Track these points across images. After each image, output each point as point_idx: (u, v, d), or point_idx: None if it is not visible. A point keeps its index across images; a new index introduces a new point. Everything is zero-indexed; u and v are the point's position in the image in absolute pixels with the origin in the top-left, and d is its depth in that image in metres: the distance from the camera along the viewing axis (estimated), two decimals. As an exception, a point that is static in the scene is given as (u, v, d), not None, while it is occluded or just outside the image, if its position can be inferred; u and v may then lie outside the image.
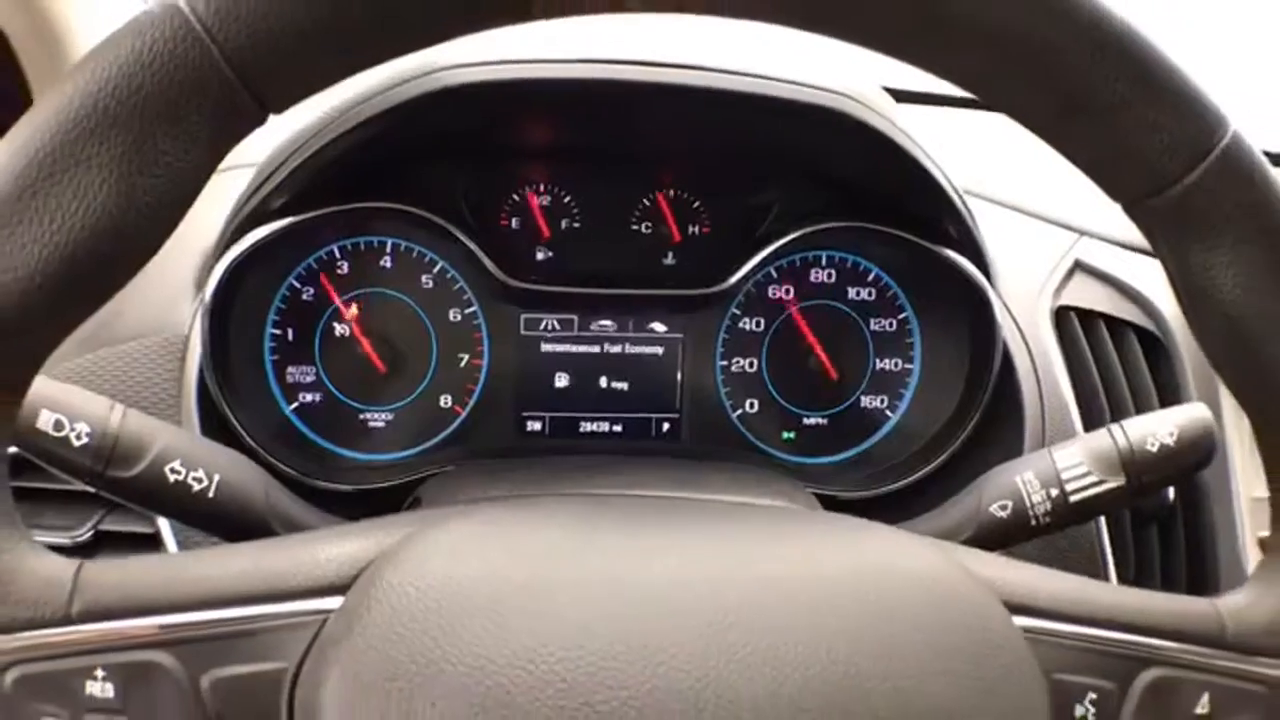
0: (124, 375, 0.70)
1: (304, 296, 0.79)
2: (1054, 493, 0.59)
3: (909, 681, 0.36)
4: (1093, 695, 0.41)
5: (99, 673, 0.35)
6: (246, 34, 0.33)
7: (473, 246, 0.76)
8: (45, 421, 0.51)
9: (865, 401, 0.85)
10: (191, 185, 0.35)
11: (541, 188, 0.81)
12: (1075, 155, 0.40)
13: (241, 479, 0.57)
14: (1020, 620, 0.41)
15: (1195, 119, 0.37)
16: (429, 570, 0.37)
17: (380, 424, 0.81)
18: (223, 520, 0.56)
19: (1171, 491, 0.79)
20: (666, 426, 0.84)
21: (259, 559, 0.39)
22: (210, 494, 0.55)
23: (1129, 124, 0.37)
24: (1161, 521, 0.80)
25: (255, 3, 0.33)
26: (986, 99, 0.39)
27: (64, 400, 0.52)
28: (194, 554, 0.40)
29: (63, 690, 0.35)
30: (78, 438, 0.52)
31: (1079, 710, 0.40)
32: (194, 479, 0.55)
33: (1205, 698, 0.42)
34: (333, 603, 0.37)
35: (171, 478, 0.54)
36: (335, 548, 0.39)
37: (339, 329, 0.79)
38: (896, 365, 0.84)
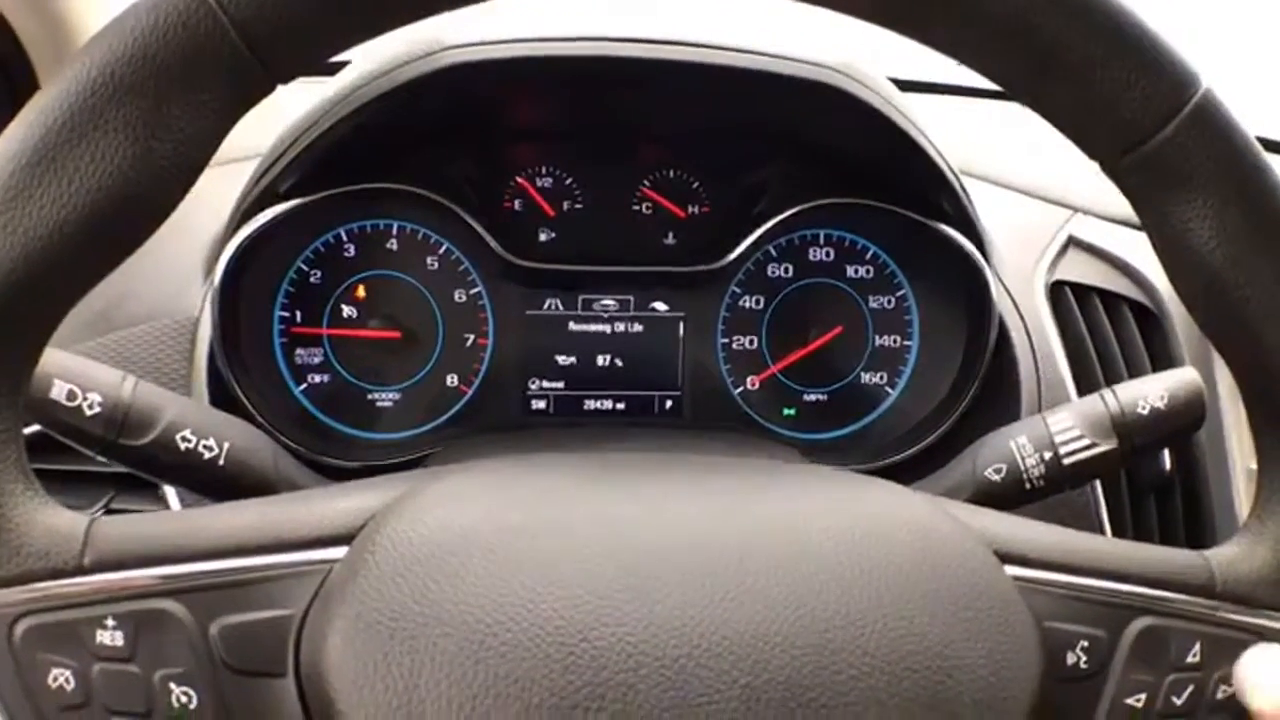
0: (135, 357, 0.72)
1: (311, 279, 0.80)
2: (1047, 456, 0.60)
3: (900, 622, 0.37)
4: (1084, 643, 0.41)
5: (109, 621, 0.36)
6: (255, 4, 0.34)
7: (477, 227, 0.78)
8: (58, 392, 0.52)
9: (865, 378, 0.86)
10: (204, 150, 0.37)
11: (543, 169, 0.83)
12: (1052, 114, 0.41)
13: (251, 448, 0.58)
14: (1011, 569, 0.41)
15: (1168, 76, 0.38)
16: (431, 517, 0.38)
17: (388, 404, 0.82)
18: (232, 488, 0.57)
19: (1168, 462, 0.80)
20: (669, 404, 0.85)
21: (267, 512, 0.40)
22: (220, 462, 0.56)
23: (1103, 82, 0.38)
24: (1159, 493, 0.81)
25: None
26: (963, 61, 0.40)
27: (77, 370, 0.53)
28: (203, 509, 0.41)
29: (72, 639, 0.36)
30: (90, 407, 0.53)
31: (1070, 658, 0.41)
32: (204, 447, 0.56)
33: (1197, 647, 0.42)
34: (338, 552, 0.38)
35: (182, 446, 0.55)
36: (341, 501, 0.40)
37: (346, 311, 0.81)
38: (895, 342, 0.85)
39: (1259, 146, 0.40)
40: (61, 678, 0.36)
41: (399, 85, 0.67)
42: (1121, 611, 0.42)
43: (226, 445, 0.57)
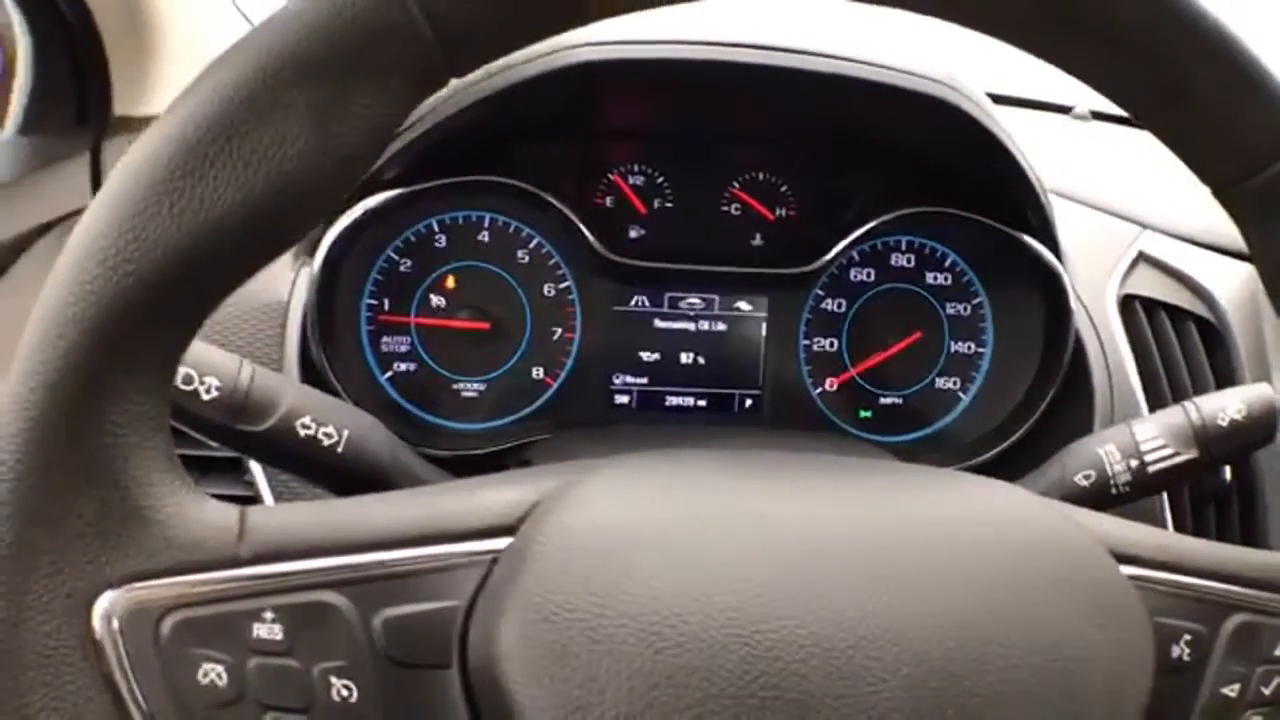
0: (221, 340, 0.71)
1: (401, 268, 0.80)
2: (1134, 464, 0.62)
3: (1039, 617, 0.39)
4: (1187, 637, 0.43)
5: (267, 614, 0.35)
6: None
7: (575, 220, 0.78)
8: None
9: (940, 383, 0.88)
10: (380, 140, 0.35)
11: (636, 167, 0.84)
12: (1173, 140, 0.42)
13: (369, 437, 0.58)
14: (1124, 568, 0.43)
15: None
16: (594, 510, 0.38)
17: (472, 394, 0.82)
18: (349, 477, 0.57)
19: (1229, 473, 0.83)
20: (749, 402, 0.86)
21: (426, 503, 0.39)
22: (340, 449, 0.56)
23: (1226, 112, 0.40)
24: (1218, 503, 0.84)
25: None
26: (1094, 86, 0.41)
27: (193, 354, 0.52)
28: (357, 500, 0.40)
29: (228, 633, 0.35)
30: (207, 391, 0.52)
31: (1175, 651, 0.43)
32: (324, 434, 0.55)
33: None
34: (501, 543, 0.38)
35: (302, 432, 0.54)
36: (498, 493, 0.40)
37: (435, 300, 0.81)
38: (969, 348, 0.87)
39: None
40: (213, 673, 0.34)
41: (520, 81, 0.67)
42: (1219, 608, 0.44)
43: (346, 433, 0.56)
